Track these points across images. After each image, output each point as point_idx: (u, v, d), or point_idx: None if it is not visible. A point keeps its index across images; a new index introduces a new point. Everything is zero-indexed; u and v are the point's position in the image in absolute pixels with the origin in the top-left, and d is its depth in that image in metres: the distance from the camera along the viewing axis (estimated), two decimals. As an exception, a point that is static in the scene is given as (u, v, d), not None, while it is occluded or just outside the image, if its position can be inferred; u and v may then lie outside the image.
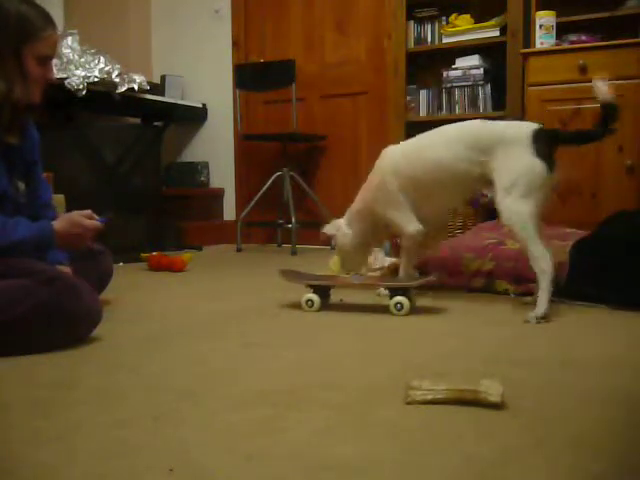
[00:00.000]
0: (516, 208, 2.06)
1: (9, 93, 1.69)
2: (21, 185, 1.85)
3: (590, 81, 2.05)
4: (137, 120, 4.51)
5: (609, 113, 2.01)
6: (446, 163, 2.23)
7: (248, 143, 4.66)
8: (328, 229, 2.50)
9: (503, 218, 2.11)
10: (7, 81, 1.68)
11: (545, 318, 1.98)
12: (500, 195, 2.10)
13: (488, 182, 2.20)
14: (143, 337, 1.79)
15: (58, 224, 1.78)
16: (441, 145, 2.27)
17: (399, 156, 2.34)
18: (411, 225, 2.32)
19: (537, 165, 2.07)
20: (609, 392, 1.28)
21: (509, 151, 2.12)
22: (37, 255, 1.73)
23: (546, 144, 2.10)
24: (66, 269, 1.83)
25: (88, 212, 1.87)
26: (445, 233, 2.84)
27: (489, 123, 2.26)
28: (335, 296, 2.27)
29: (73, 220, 1.82)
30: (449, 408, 1.17)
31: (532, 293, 2.20)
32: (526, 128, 2.15)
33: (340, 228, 2.45)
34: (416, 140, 2.40)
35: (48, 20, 1.75)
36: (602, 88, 2.01)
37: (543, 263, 2.02)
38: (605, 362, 1.51)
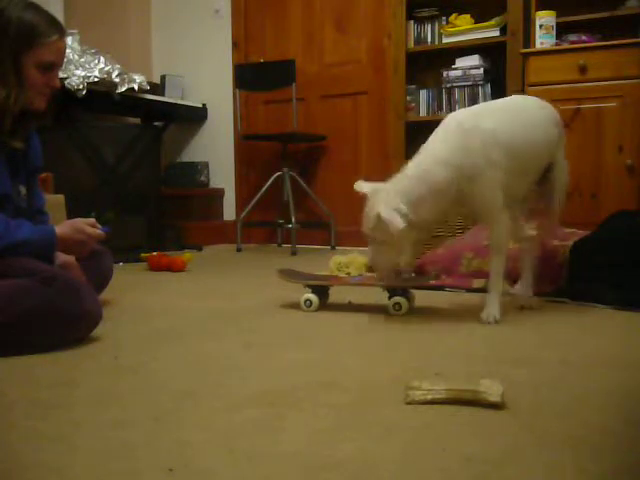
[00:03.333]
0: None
1: (7, 99, 1.69)
2: (22, 189, 1.85)
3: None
4: (137, 120, 4.51)
5: None
6: None
7: (248, 143, 4.66)
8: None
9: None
10: (5, 87, 1.68)
11: None
12: None
13: None
14: (143, 337, 1.79)
15: (61, 229, 1.78)
16: None
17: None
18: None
19: None
20: (609, 392, 1.28)
21: None
22: (40, 258, 1.72)
23: None
24: (70, 258, 1.82)
25: (92, 220, 1.88)
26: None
27: None
28: (341, 297, 2.27)
29: (76, 227, 1.82)
30: (449, 408, 1.17)
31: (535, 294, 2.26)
32: None
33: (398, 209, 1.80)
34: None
35: (53, 26, 1.74)
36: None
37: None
38: (605, 362, 1.51)
